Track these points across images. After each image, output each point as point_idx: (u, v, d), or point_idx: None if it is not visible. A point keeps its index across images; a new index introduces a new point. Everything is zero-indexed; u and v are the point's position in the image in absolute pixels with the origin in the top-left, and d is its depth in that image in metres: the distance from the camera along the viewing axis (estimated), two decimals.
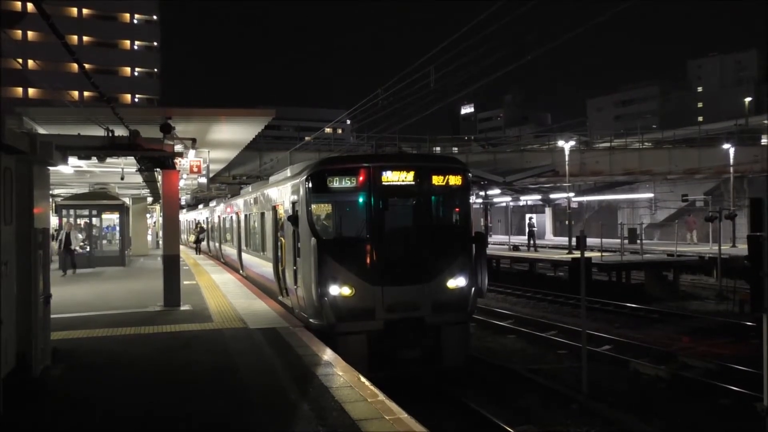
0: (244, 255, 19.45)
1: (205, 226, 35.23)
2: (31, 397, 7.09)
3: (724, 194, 37.99)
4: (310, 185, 10.61)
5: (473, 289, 10.77)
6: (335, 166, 10.85)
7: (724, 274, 24.17)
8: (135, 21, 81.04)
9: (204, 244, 34.73)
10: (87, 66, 9.25)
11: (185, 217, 45.98)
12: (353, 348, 9.86)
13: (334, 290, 10.14)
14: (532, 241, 32.26)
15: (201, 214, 37.69)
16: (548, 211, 43.22)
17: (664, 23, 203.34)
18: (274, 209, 13.70)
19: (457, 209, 11.46)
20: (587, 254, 15.28)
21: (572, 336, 15.51)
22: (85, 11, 76.31)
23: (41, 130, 14.26)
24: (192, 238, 30.73)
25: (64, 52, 7.58)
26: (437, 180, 10.81)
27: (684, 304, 22.44)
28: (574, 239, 28.50)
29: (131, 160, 15.17)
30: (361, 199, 10.56)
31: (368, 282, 10.19)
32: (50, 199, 23.20)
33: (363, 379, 7.48)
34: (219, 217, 27.51)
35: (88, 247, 25.66)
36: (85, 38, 75.29)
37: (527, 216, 39.74)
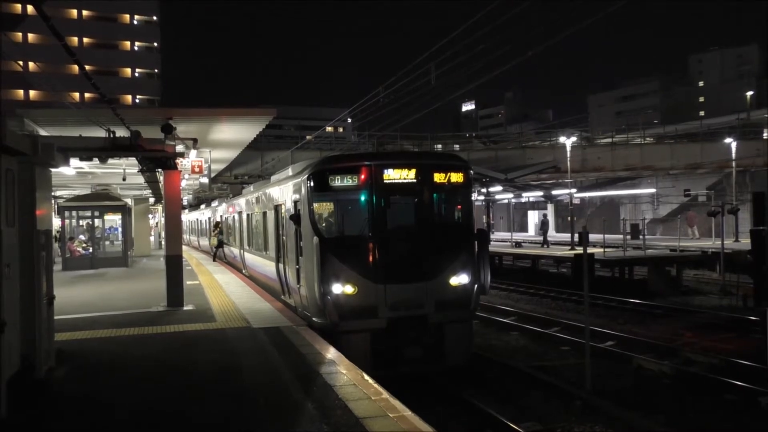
0: (246, 254, 19.46)
1: (207, 226, 34.85)
2: (35, 398, 7.10)
3: (726, 189, 37.88)
4: (312, 184, 10.61)
5: (476, 286, 10.77)
6: (337, 165, 10.85)
7: (727, 269, 24.12)
8: (135, 22, 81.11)
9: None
10: (87, 67, 9.25)
11: (187, 217, 46.01)
12: (356, 346, 9.86)
13: (337, 289, 10.15)
14: (545, 238, 32.24)
15: (203, 214, 37.66)
16: (550, 207, 43.14)
17: (664, 18, 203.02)
18: (276, 208, 13.70)
19: (459, 206, 11.45)
20: (590, 250, 15.26)
21: (575, 332, 15.48)
22: (85, 12, 76.40)
23: (42, 132, 14.29)
24: (214, 240, 27.75)
25: (65, 53, 7.59)
26: (439, 177, 10.80)
27: (687, 299, 22.41)
28: (576, 235, 28.47)
29: (133, 161, 15.19)
30: (363, 198, 10.55)
31: (371, 280, 10.20)
32: (52, 201, 23.27)
33: (366, 377, 7.48)
34: (221, 216, 27.52)
35: (91, 249, 25.72)
36: (85, 39, 75.37)
37: (541, 213, 39.84)
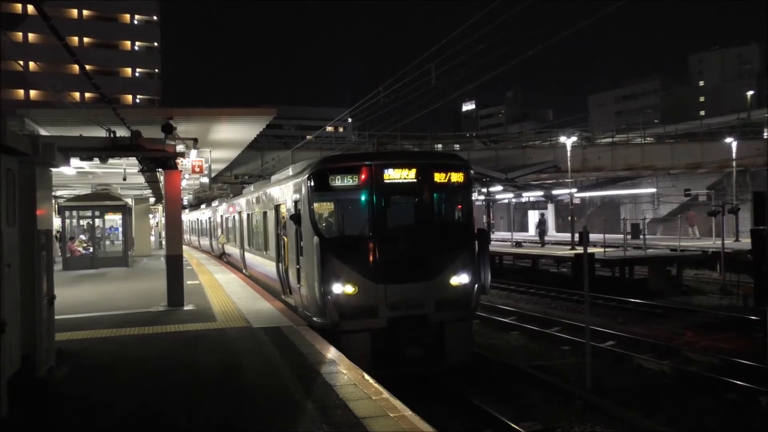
0: (246, 254, 19.47)
1: (207, 225, 34.80)
2: (35, 397, 7.10)
3: (726, 188, 37.85)
4: (312, 184, 10.61)
5: (476, 286, 10.77)
6: (337, 165, 10.86)
7: (727, 269, 24.12)
8: (135, 22, 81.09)
9: (208, 244, 31.54)
10: (88, 67, 9.26)
11: (188, 217, 46.02)
12: (357, 346, 9.87)
13: (337, 288, 10.15)
14: (542, 238, 32.19)
15: (203, 214, 37.67)
16: (551, 207, 43.08)
17: (664, 17, 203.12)
18: (277, 208, 13.71)
19: (459, 206, 11.46)
20: (590, 250, 15.26)
21: (576, 332, 15.48)
22: (85, 12, 76.38)
23: (43, 132, 14.30)
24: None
25: (65, 53, 7.59)
26: (439, 177, 10.81)
27: (687, 298, 22.39)
28: (576, 235, 28.47)
29: (133, 160, 15.20)
30: (363, 197, 10.56)
31: (371, 280, 10.20)
32: (53, 201, 23.28)
33: (367, 376, 7.49)
34: (221, 216, 27.54)
35: (91, 248, 25.73)
36: (85, 39, 75.35)
37: (538, 212, 39.76)
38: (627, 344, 14.53)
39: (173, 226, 14.76)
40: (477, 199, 35.79)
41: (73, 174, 17.35)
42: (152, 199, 33.51)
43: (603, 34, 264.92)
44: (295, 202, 11.56)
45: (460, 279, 10.65)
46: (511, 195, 38.09)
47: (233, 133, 18.28)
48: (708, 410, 10.19)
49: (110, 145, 11.04)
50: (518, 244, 34.90)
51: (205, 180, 21.82)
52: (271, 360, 8.60)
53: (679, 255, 26.26)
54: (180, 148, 14.73)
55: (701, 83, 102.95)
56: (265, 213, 15.48)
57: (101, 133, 11.24)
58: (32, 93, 67.86)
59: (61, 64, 52.64)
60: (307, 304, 10.95)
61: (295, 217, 11.27)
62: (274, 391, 7.13)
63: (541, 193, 37.10)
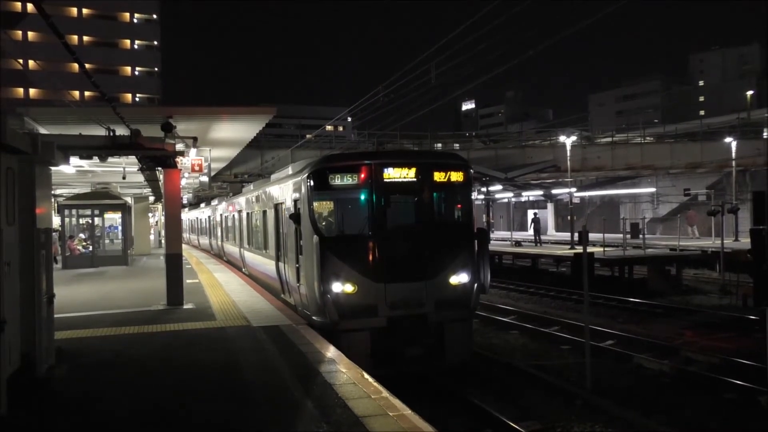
0: (246, 253, 19.46)
1: (207, 224, 34.85)
2: (35, 396, 7.09)
3: (726, 188, 37.84)
4: (312, 183, 10.61)
5: (476, 285, 10.77)
6: (337, 164, 10.85)
7: (726, 268, 24.11)
8: (135, 20, 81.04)
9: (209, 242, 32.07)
10: (87, 65, 9.24)
11: (187, 216, 45.98)
12: (356, 345, 9.87)
13: (337, 287, 10.15)
14: (537, 237, 32.22)
15: (203, 213, 37.65)
16: (550, 206, 43.11)
17: (665, 17, 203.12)
18: (276, 207, 13.71)
19: (459, 205, 11.47)
20: (589, 249, 15.24)
21: (575, 331, 15.49)
22: (85, 11, 76.33)
23: (43, 131, 14.27)
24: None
25: (65, 52, 7.58)
26: (439, 176, 10.81)
27: (687, 298, 22.39)
28: (576, 234, 28.45)
29: (133, 159, 15.18)
30: (362, 196, 10.56)
31: (371, 279, 10.20)
32: (52, 200, 23.26)
33: (366, 375, 7.48)
34: (221, 215, 27.54)
35: (91, 247, 25.71)
36: (85, 38, 75.33)
37: (532, 211, 39.77)
38: (626, 344, 14.53)
39: (173, 224, 14.75)
40: (477, 199, 35.79)
41: (72, 172, 17.35)
42: (152, 198, 33.48)
43: (603, 34, 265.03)
44: (295, 201, 11.56)
45: (459, 278, 10.65)
46: (510, 194, 38.13)
47: (233, 132, 18.27)
48: (708, 410, 10.19)
49: (110, 143, 11.01)
50: (518, 243, 34.90)
51: (205, 179, 21.77)
52: (270, 359, 8.60)
53: (679, 255, 26.27)
54: (179, 146, 14.71)
55: (701, 83, 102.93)
56: (264, 212, 15.47)
57: (101, 131, 11.22)
58: (32, 91, 67.85)
59: (60, 62, 52.53)
60: (307, 303, 10.95)
61: (295, 216, 11.27)
62: (273, 390, 7.12)
63: (540, 192, 37.14)
